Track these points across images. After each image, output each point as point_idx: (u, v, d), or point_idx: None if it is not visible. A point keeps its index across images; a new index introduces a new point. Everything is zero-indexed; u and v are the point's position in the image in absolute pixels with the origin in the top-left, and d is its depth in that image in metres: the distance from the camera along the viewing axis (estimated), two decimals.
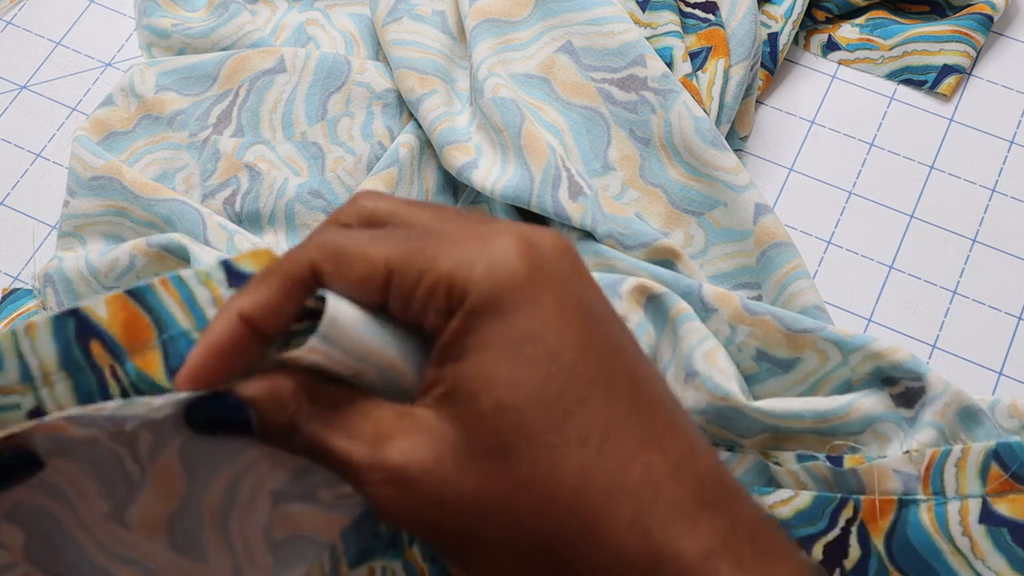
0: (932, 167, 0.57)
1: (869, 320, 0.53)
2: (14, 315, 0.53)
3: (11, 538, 0.32)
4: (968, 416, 0.43)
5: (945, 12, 0.61)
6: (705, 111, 0.54)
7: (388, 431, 0.28)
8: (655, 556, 0.26)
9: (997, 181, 0.57)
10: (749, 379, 0.49)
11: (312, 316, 0.29)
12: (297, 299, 0.28)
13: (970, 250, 0.55)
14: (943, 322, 0.53)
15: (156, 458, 0.30)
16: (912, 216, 0.56)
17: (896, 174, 0.57)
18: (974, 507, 0.42)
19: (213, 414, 0.28)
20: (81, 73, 0.61)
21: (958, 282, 0.54)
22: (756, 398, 0.49)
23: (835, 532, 0.43)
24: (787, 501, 0.44)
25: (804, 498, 0.44)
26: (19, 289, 0.54)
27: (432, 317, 0.27)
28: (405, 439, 0.27)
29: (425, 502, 0.27)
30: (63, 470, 0.31)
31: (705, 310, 0.48)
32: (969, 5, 0.60)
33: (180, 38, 0.59)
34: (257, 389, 0.28)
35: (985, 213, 0.56)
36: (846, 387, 0.47)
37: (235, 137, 0.56)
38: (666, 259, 0.51)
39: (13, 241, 0.56)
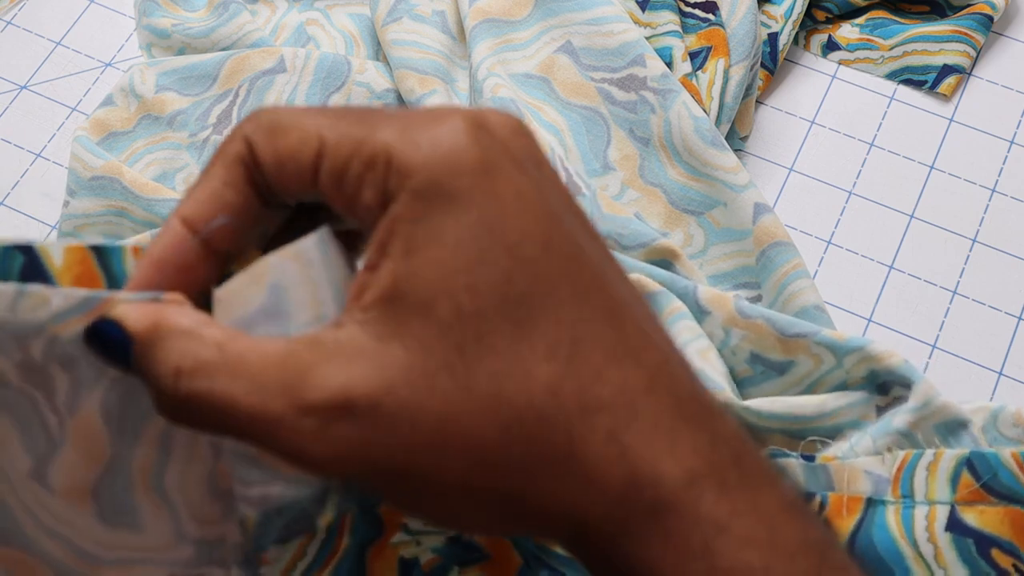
0: (932, 167, 0.57)
1: (869, 320, 0.53)
2: None
3: None
4: (948, 430, 0.43)
5: (945, 12, 0.61)
6: (705, 111, 0.54)
7: (307, 365, 0.23)
8: (633, 479, 0.23)
9: (997, 181, 0.57)
10: (744, 382, 0.49)
11: None
12: (238, 183, 0.25)
13: (970, 250, 0.55)
14: (943, 322, 0.53)
15: (76, 410, 0.27)
16: (912, 216, 0.56)
17: (896, 174, 0.57)
18: (941, 514, 0.42)
19: (100, 340, 0.25)
20: (81, 73, 0.61)
21: (958, 282, 0.54)
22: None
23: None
24: None
25: None
26: None
27: (368, 195, 0.24)
28: (337, 368, 0.23)
29: (376, 441, 0.23)
30: None
31: (700, 312, 0.48)
32: (969, 5, 0.60)
33: (180, 38, 0.59)
34: (139, 320, 0.24)
35: (985, 213, 0.56)
36: (841, 390, 0.47)
37: None
38: (665, 259, 0.51)
39: None
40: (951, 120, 0.59)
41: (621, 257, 0.50)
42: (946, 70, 0.59)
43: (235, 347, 0.24)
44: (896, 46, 0.60)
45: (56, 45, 0.62)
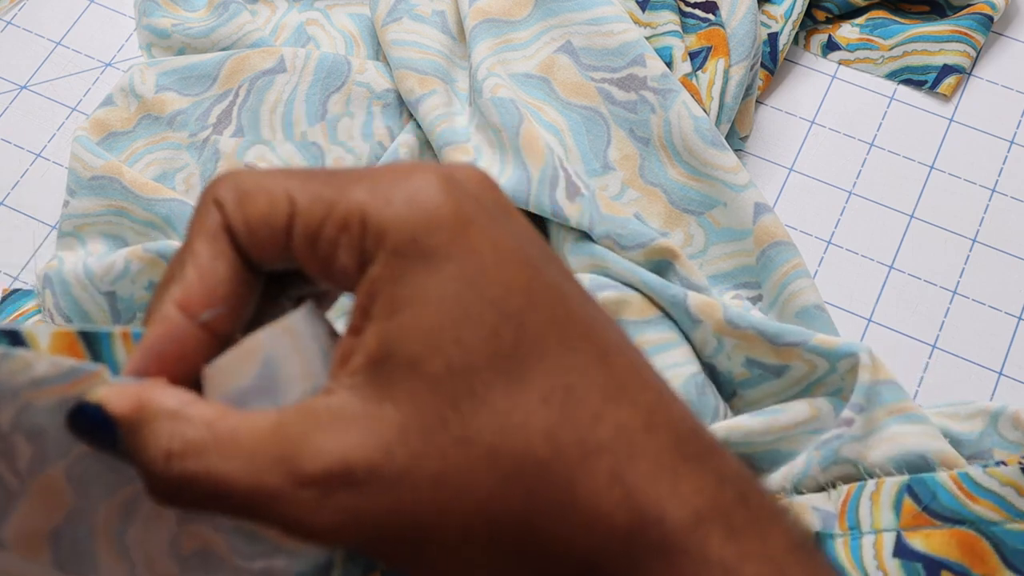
0: (932, 167, 0.57)
1: (869, 320, 0.53)
2: (14, 315, 0.53)
3: None
4: (907, 464, 0.43)
5: (945, 12, 0.61)
6: (705, 111, 0.54)
7: (301, 435, 0.23)
8: (639, 519, 0.23)
9: (997, 181, 0.57)
10: (742, 384, 0.49)
11: None
12: (226, 254, 0.24)
13: (970, 250, 0.55)
14: (943, 322, 0.53)
15: (38, 474, 0.27)
16: (912, 216, 0.56)
17: (896, 174, 0.57)
18: (888, 541, 0.42)
19: (83, 424, 0.24)
20: (81, 73, 0.61)
21: (958, 282, 0.54)
22: (752, 402, 0.49)
23: None
24: None
25: None
26: (19, 290, 0.54)
27: (343, 258, 0.23)
28: (331, 438, 0.23)
29: (377, 506, 0.22)
30: None
31: (691, 321, 0.48)
32: (969, 5, 0.60)
33: (180, 38, 0.59)
34: (122, 402, 0.24)
35: (985, 213, 0.56)
36: (838, 393, 0.47)
37: (235, 137, 0.56)
38: (664, 259, 0.51)
39: (13, 241, 0.56)
40: (951, 120, 0.59)
41: (618, 260, 0.50)
42: (946, 70, 0.59)
43: (225, 424, 0.23)
44: (896, 46, 0.60)
45: (56, 45, 0.62)
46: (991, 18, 0.60)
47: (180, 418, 0.23)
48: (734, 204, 0.52)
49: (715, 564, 0.23)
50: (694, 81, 0.55)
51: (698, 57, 0.57)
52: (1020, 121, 0.59)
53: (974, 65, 0.60)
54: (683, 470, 0.23)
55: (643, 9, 0.57)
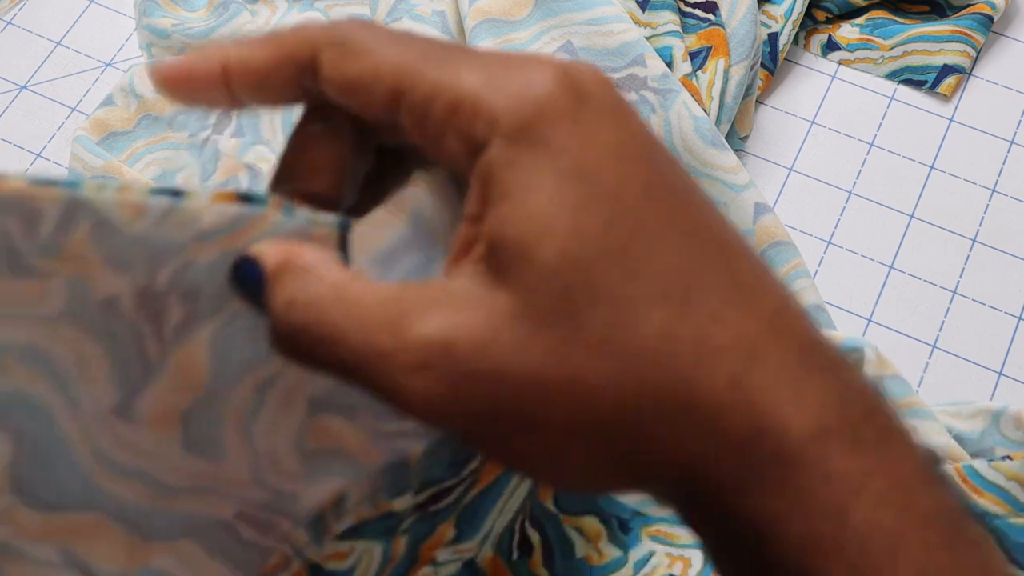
0: (932, 167, 0.57)
1: (869, 320, 0.53)
2: None
3: None
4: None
5: (945, 12, 0.61)
6: (705, 111, 0.54)
7: (415, 308, 0.22)
8: (757, 427, 0.21)
9: (997, 181, 0.57)
10: None
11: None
12: (283, 76, 0.24)
13: (970, 250, 0.55)
14: (943, 322, 0.53)
15: (183, 341, 0.26)
16: (912, 216, 0.56)
17: (896, 174, 0.57)
18: None
19: (239, 278, 0.25)
20: (81, 73, 0.61)
21: (958, 282, 0.54)
22: None
23: None
24: None
25: None
26: None
27: (452, 143, 0.23)
28: (443, 313, 0.22)
29: (478, 385, 0.22)
30: (73, 341, 0.26)
31: None
32: (969, 5, 0.60)
33: (180, 38, 0.59)
34: (271, 257, 0.24)
35: (985, 213, 0.56)
36: None
37: (235, 137, 0.56)
38: None
39: None
40: (951, 120, 0.59)
41: None
42: (946, 70, 0.59)
43: (350, 287, 0.23)
44: (896, 46, 0.60)
45: (56, 45, 0.62)
46: (991, 18, 0.60)
47: (311, 274, 0.24)
48: (734, 204, 0.52)
49: (836, 478, 0.21)
50: (694, 81, 0.55)
51: (698, 57, 0.57)
52: (1020, 121, 0.59)
53: (974, 65, 0.60)
54: (806, 380, 0.22)
55: (643, 9, 0.57)
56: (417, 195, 0.25)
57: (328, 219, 0.25)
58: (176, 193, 0.24)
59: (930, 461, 0.23)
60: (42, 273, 0.25)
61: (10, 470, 0.28)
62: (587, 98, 0.23)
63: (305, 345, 0.23)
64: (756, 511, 0.22)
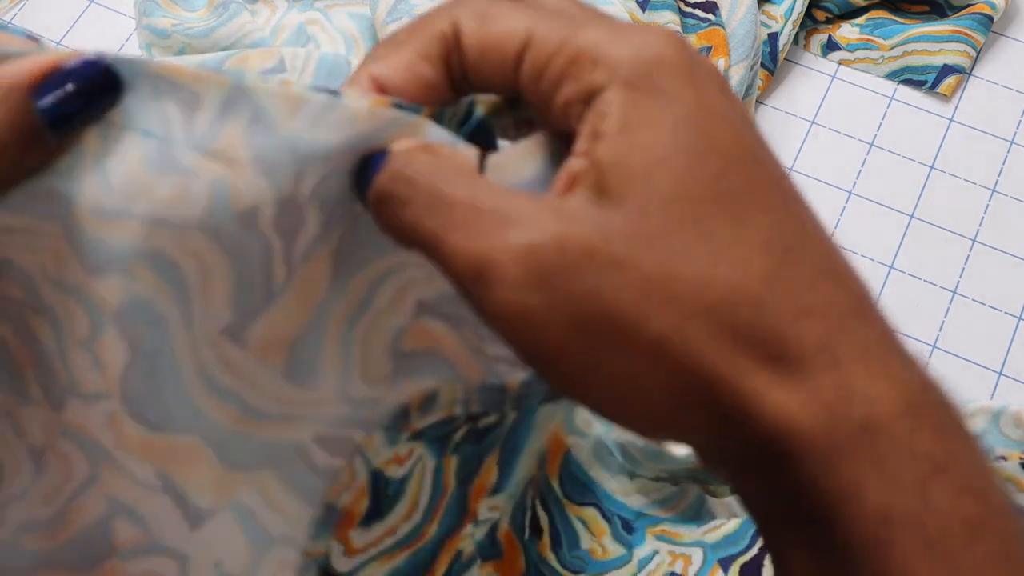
0: (932, 167, 0.57)
1: None
2: None
3: (112, 354, 0.26)
4: None
5: (945, 12, 0.61)
6: None
7: (532, 210, 0.23)
8: (845, 391, 0.21)
9: (997, 181, 0.57)
10: None
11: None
12: (435, 60, 0.25)
13: (970, 250, 0.55)
14: (943, 322, 0.53)
15: (310, 259, 0.26)
16: (912, 216, 0.56)
17: (896, 174, 0.57)
18: None
19: (365, 165, 0.25)
20: None
21: (958, 282, 0.54)
22: None
23: (752, 552, 0.44)
24: (717, 528, 0.45)
25: (732, 523, 0.45)
26: None
27: (569, 89, 0.24)
28: (558, 216, 0.22)
29: (581, 286, 0.22)
30: (201, 253, 0.25)
31: None
32: (969, 5, 0.60)
33: (180, 38, 0.59)
34: (404, 143, 0.24)
35: (985, 213, 0.56)
36: None
37: None
38: None
39: None
40: (951, 120, 0.59)
41: None
42: (946, 70, 0.59)
43: (473, 174, 0.24)
44: (896, 46, 0.60)
45: (56, 45, 0.62)
46: (991, 18, 0.60)
47: (441, 154, 0.24)
48: None
49: (923, 457, 0.21)
50: None
51: None
52: (1020, 121, 0.59)
53: (974, 65, 0.60)
54: (893, 359, 0.22)
55: (643, 9, 0.57)
56: (549, 142, 0.25)
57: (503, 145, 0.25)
58: (334, 92, 0.24)
59: (992, 457, 0.23)
60: (188, 171, 0.24)
61: (121, 379, 0.27)
62: (700, 63, 0.24)
63: (409, 195, 0.23)
64: (835, 477, 0.21)
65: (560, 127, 0.25)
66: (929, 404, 0.22)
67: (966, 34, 0.59)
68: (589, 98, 0.23)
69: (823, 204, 0.56)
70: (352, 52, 0.60)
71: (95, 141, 0.24)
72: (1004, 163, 0.57)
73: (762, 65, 0.59)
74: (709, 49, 0.57)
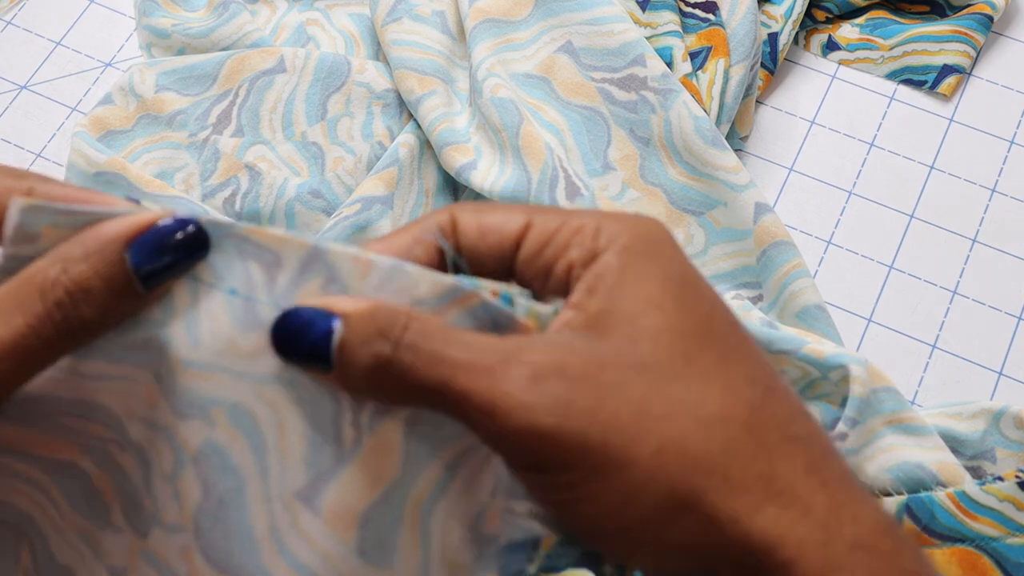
0: (932, 167, 0.57)
1: (869, 320, 0.53)
2: None
3: (189, 491, 0.28)
4: (904, 476, 0.44)
5: (945, 12, 0.61)
6: (705, 111, 0.54)
7: (522, 345, 0.25)
8: (836, 509, 0.23)
9: (997, 181, 0.57)
10: None
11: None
12: (427, 245, 0.27)
13: (970, 250, 0.55)
14: (943, 322, 0.53)
15: (377, 426, 0.27)
16: (912, 216, 0.56)
17: (896, 174, 0.57)
18: None
19: (297, 320, 0.25)
20: (81, 73, 0.61)
21: (958, 282, 0.54)
22: None
23: None
24: None
25: None
26: None
27: (574, 254, 0.26)
28: (550, 348, 0.24)
29: (581, 404, 0.23)
30: (277, 406, 0.26)
31: None
32: (969, 5, 0.60)
33: (180, 38, 0.59)
34: (353, 304, 0.25)
35: (985, 213, 0.56)
36: (833, 396, 0.47)
37: (235, 137, 0.56)
38: None
39: None
40: (951, 120, 0.59)
41: None
42: (946, 70, 0.59)
43: (458, 329, 0.26)
44: (896, 46, 0.60)
45: (56, 45, 0.62)
46: (991, 18, 0.60)
47: (422, 316, 0.25)
48: (735, 204, 0.52)
49: (910, 573, 0.23)
50: (694, 81, 0.55)
51: (698, 57, 0.57)
52: (1020, 121, 0.59)
53: (974, 65, 0.60)
54: (865, 490, 0.25)
55: (643, 9, 0.57)
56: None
57: (545, 309, 0.26)
58: (400, 261, 0.26)
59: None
60: (268, 326, 0.26)
61: (194, 517, 0.28)
62: (677, 241, 0.27)
63: (392, 350, 0.25)
64: None
65: (558, 293, 0.27)
66: (901, 530, 0.25)
67: (966, 34, 0.59)
68: (588, 262, 0.26)
69: (823, 204, 0.56)
70: (352, 52, 0.60)
71: (186, 296, 0.26)
72: (1004, 163, 0.57)
73: (762, 65, 0.59)
74: (709, 49, 0.57)
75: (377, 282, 0.25)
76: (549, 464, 0.24)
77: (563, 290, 0.26)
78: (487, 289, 0.26)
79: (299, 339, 0.25)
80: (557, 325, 0.26)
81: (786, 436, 0.24)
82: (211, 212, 0.53)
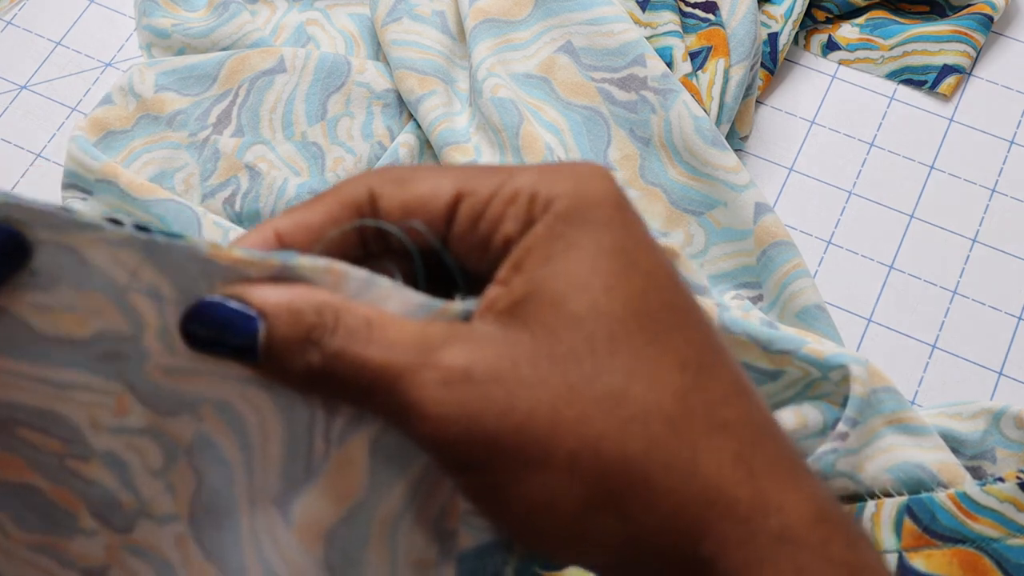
0: (932, 167, 0.57)
1: (869, 320, 0.53)
2: None
3: (183, 480, 0.28)
4: (904, 476, 0.43)
5: (945, 12, 0.61)
6: (705, 111, 0.54)
7: (440, 340, 0.24)
8: (761, 503, 0.23)
9: (997, 181, 0.57)
10: None
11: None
12: (344, 223, 0.26)
13: (970, 250, 0.55)
14: (943, 322, 0.53)
15: (346, 440, 0.26)
16: (912, 216, 0.56)
17: (896, 174, 0.57)
18: (890, 562, 0.42)
19: (215, 321, 0.24)
20: (81, 73, 0.61)
21: (958, 282, 0.54)
22: None
23: None
24: None
25: None
26: None
27: (509, 227, 0.25)
28: (465, 346, 0.23)
29: (492, 407, 0.23)
30: (259, 408, 0.26)
31: None
32: (969, 5, 0.60)
33: (180, 38, 0.59)
34: (273, 297, 0.24)
35: (985, 213, 0.56)
36: (834, 396, 0.47)
37: (235, 137, 0.56)
38: None
39: None
40: (951, 120, 0.59)
41: None
42: (946, 70, 0.59)
43: (379, 315, 0.25)
44: (896, 46, 0.60)
45: (56, 45, 0.62)
46: (991, 18, 0.60)
47: (344, 309, 0.25)
48: (735, 204, 0.52)
49: (839, 564, 0.23)
50: (694, 81, 0.55)
51: (698, 57, 0.57)
52: (1020, 121, 0.59)
53: (974, 65, 0.60)
54: (801, 473, 0.24)
55: (643, 9, 0.57)
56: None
57: (462, 307, 0.26)
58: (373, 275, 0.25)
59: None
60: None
61: (191, 501, 0.28)
62: (626, 197, 0.26)
63: (321, 359, 0.24)
64: None
65: (496, 268, 0.25)
66: (837, 515, 0.23)
67: (966, 34, 0.59)
68: (524, 232, 0.25)
69: (823, 204, 0.56)
70: (352, 52, 0.60)
71: (154, 317, 0.25)
72: (1004, 163, 0.57)
73: (762, 65, 0.59)
74: (709, 49, 0.57)
75: (349, 294, 0.25)
76: (469, 466, 0.24)
77: (494, 266, 0.25)
78: (460, 304, 0.25)
79: (219, 341, 0.25)
80: (482, 308, 0.25)
81: (714, 424, 0.23)
82: (208, 214, 0.53)
